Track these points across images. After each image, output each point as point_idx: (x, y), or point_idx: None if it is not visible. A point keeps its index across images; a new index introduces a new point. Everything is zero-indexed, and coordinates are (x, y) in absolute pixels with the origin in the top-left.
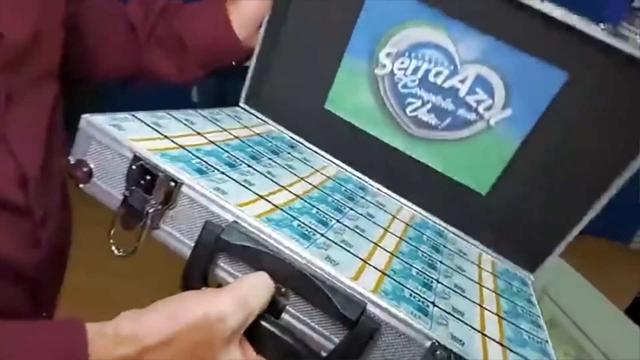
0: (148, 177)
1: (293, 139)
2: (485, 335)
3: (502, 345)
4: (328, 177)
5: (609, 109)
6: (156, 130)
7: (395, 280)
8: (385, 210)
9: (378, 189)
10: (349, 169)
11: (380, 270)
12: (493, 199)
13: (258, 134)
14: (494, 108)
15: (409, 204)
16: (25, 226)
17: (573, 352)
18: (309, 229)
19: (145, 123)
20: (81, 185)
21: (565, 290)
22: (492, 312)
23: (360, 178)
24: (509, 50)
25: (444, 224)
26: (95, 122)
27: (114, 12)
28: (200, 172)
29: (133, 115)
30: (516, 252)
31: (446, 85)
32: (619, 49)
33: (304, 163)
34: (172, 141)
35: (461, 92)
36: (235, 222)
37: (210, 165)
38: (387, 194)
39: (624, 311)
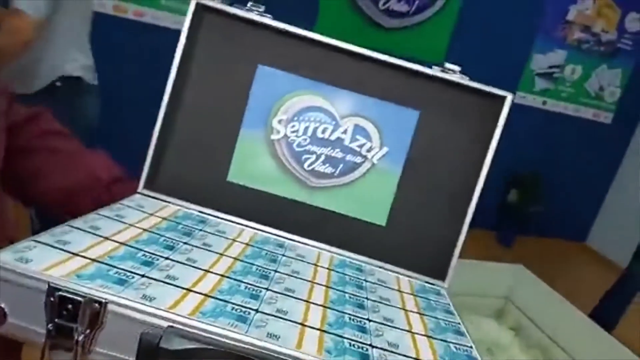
0: (69, 306)
1: (201, 212)
2: None
3: None
4: (246, 243)
5: (455, 132)
6: (64, 250)
7: (333, 334)
8: (307, 262)
9: (296, 241)
10: (262, 228)
11: (318, 329)
12: (393, 227)
13: (165, 219)
14: (373, 149)
15: (326, 247)
16: None
17: (541, 356)
18: (244, 309)
19: (49, 245)
20: None
21: (529, 297)
22: (421, 334)
23: (276, 235)
24: (373, 101)
25: (360, 258)
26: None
27: None
28: (121, 282)
29: (35, 241)
30: (426, 266)
31: (332, 137)
32: (452, 84)
33: (219, 236)
34: (83, 257)
35: (345, 141)
36: (171, 326)
37: (129, 271)
38: (305, 244)
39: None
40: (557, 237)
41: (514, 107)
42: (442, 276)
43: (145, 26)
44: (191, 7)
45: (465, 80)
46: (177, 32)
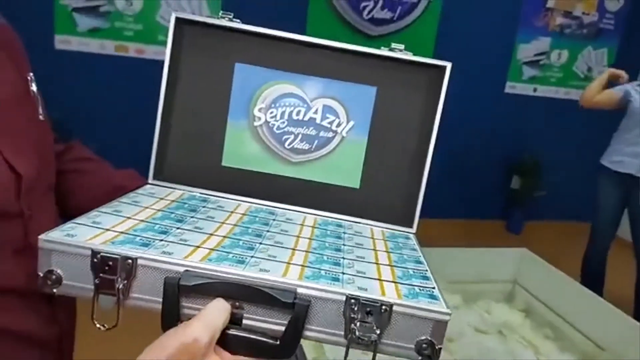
0: (110, 263)
1: (203, 194)
2: (382, 280)
3: (394, 282)
4: (242, 214)
5: (408, 101)
6: (98, 227)
7: (312, 267)
8: (294, 223)
9: (285, 209)
10: (256, 201)
11: (300, 265)
12: (366, 188)
13: (173, 201)
14: (341, 124)
15: (311, 211)
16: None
17: (552, 334)
18: (242, 256)
19: (86, 225)
20: (55, 290)
21: (535, 278)
22: (385, 265)
23: (268, 206)
24: (336, 83)
25: (340, 216)
26: (52, 238)
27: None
28: (145, 245)
29: (75, 222)
30: (396, 217)
31: (306, 118)
32: (401, 60)
33: (220, 210)
34: (114, 231)
35: (317, 120)
36: (187, 270)
37: (150, 237)
38: (294, 211)
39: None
40: (565, 219)
41: (506, 97)
42: (409, 223)
43: (146, 62)
44: (172, 21)
45: (410, 56)
46: None
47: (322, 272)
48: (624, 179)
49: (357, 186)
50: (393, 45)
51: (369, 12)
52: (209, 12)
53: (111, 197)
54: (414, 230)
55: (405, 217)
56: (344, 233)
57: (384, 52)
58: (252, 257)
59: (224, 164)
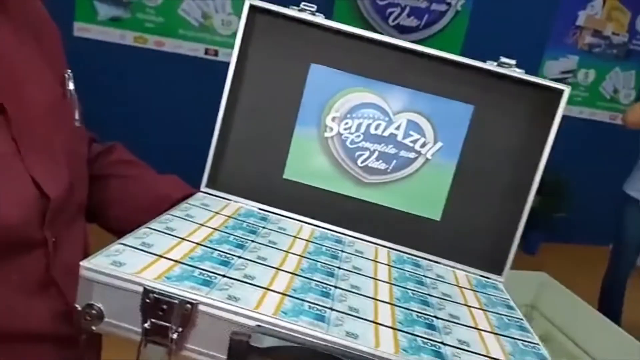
0: (164, 306)
1: (262, 209)
2: (493, 359)
3: None
4: (307, 240)
5: (511, 126)
6: (149, 253)
7: (406, 332)
8: (366, 258)
9: (352, 237)
10: (320, 224)
11: (390, 327)
12: (448, 222)
13: (230, 217)
14: (427, 144)
15: (382, 242)
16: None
17: None
18: (320, 308)
19: (135, 248)
20: (94, 328)
21: (554, 305)
22: (488, 331)
23: (333, 231)
24: (426, 97)
25: (416, 253)
26: (95, 266)
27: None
28: (207, 284)
29: (122, 244)
30: (482, 261)
31: (385, 134)
32: (507, 77)
33: (282, 233)
34: (168, 259)
35: (399, 137)
36: (259, 325)
37: (210, 271)
38: (362, 240)
39: None
40: (584, 242)
41: None
42: (499, 270)
43: (165, 54)
44: (245, 9)
45: (521, 74)
46: (194, 59)
47: (420, 341)
48: None
49: (438, 218)
50: (502, 58)
51: (395, 18)
52: (232, 10)
53: (155, 207)
54: (503, 279)
55: (495, 262)
56: (425, 277)
57: (488, 65)
58: (331, 309)
59: (285, 176)
